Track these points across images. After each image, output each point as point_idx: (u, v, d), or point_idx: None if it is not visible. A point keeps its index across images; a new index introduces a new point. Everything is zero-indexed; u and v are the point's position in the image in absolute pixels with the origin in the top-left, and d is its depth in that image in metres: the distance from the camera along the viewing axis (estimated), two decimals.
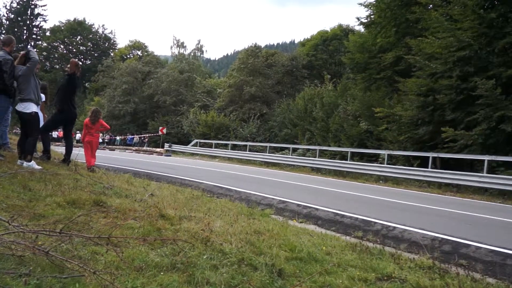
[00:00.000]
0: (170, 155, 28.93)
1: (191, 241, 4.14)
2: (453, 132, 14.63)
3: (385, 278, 3.92)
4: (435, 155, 15.46)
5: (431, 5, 18.10)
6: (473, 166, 14.81)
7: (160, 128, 34.80)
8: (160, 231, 4.40)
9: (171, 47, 56.53)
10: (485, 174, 13.33)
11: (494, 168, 13.68)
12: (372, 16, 23.67)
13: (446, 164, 15.52)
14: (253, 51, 37.73)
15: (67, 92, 7.96)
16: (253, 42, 55.93)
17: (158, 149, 31.92)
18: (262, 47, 42.62)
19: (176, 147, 32.16)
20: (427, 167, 15.30)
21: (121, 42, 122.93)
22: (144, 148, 34.67)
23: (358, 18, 25.11)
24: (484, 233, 6.55)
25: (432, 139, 16.27)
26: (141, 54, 59.15)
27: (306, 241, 5.09)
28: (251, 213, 7.09)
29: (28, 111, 6.80)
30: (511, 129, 13.24)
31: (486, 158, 13.54)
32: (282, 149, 25.75)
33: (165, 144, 32.68)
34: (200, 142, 31.65)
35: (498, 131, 13.66)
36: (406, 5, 20.04)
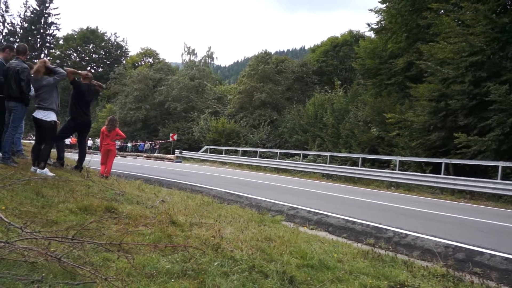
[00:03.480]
0: (180, 162, 29.05)
1: (201, 248, 4.13)
2: (466, 138, 14.45)
3: (398, 286, 3.87)
4: (448, 161, 15.26)
5: (442, 10, 17.97)
6: (487, 173, 14.58)
7: (171, 134, 34.99)
8: (171, 237, 4.40)
9: (182, 54, 56.96)
10: (499, 181, 13.11)
11: (508, 174, 13.46)
12: (382, 22, 23.56)
13: (459, 171, 15.31)
14: (263, 58, 37.80)
15: (74, 99, 8.05)
16: (263, 48, 56.41)
17: (168, 156, 32.09)
18: (272, 53, 42.69)
19: (186, 154, 32.27)
20: (440, 173, 15.10)
21: (133, 49, 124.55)
22: (155, 154, 34.87)
23: (368, 24, 25.00)
24: (498, 240, 6.43)
25: (445, 145, 16.08)
26: (152, 62, 59.67)
27: (317, 248, 5.05)
28: (262, 219, 7.07)
29: (48, 120, 6.91)
30: None
31: (500, 164, 13.33)
32: (292, 155, 25.67)
33: (176, 150, 32.82)
34: (210, 149, 31.72)
35: None
36: (417, 10, 19.92)
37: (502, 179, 13.14)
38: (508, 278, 4.75)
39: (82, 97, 8.10)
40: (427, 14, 18.06)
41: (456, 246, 5.84)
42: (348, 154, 20.67)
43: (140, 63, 59.83)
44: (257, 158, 26.08)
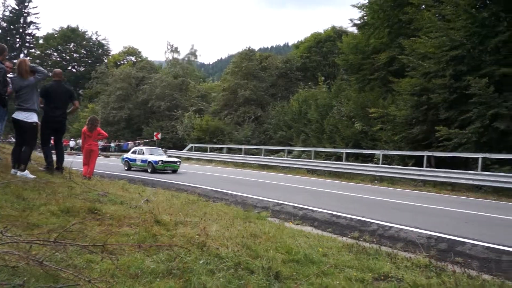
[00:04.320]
0: None
1: (187, 247, 4.12)
2: (447, 130, 14.71)
3: (382, 277, 3.93)
4: (429, 154, 15.51)
5: (423, 6, 18.21)
6: (467, 164, 14.87)
7: (155, 133, 34.68)
8: (155, 237, 4.38)
9: (165, 52, 56.19)
10: (479, 172, 13.39)
11: (488, 165, 13.75)
12: (365, 18, 23.80)
13: (441, 163, 15.58)
14: (247, 55, 37.77)
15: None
16: (246, 45, 56.03)
17: None
18: (256, 50, 42.66)
19: (171, 153, 32.10)
20: (422, 166, 15.35)
21: (115, 48, 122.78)
22: None
23: (351, 20, 25.26)
24: (479, 230, 6.58)
25: (427, 138, 16.34)
26: (135, 60, 58.99)
27: (302, 243, 5.10)
28: (247, 216, 7.09)
29: (30, 121, 6.75)
30: (504, 127, 13.33)
31: (480, 156, 13.61)
32: (277, 151, 25.75)
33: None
34: (195, 147, 31.59)
35: (491, 129, 13.74)
36: (398, 6, 20.15)
37: (482, 170, 13.42)
38: (488, 266, 4.87)
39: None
40: (409, 10, 18.29)
41: (438, 236, 5.96)
42: (333, 149, 20.83)
43: (122, 62, 59.12)
44: (242, 155, 26.09)
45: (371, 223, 6.92)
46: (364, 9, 23.32)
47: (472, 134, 14.06)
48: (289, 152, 24.00)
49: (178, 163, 17.12)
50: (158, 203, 6.84)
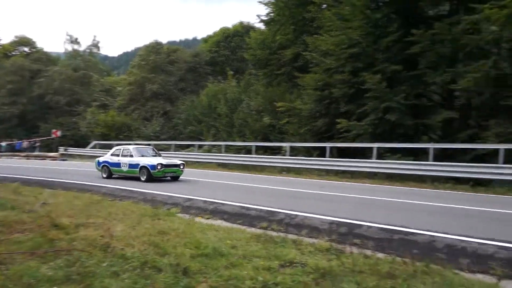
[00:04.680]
0: (66, 159, 26.82)
1: (88, 250, 3.92)
2: (347, 123, 15.81)
3: (288, 264, 4.09)
4: (331, 145, 16.55)
5: (325, 5, 19.23)
6: (365, 154, 16.14)
7: (53, 130, 32.08)
8: (53, 242, 4.09)
9: (64, 43, 52.21)
10: (374, 160, 14.65)
11: (382, 154, 15.08)
12: (271, 14, 24.44)
13: (342, 153, 16.71)
14: (154, 48, 36.85)
15: None
16: (154, 38, 54.29)
17: (51, 154, 29.34)
18: (164, 43, 41.66)
19: (73, 151, 30.00)
20: (325, 157, 16.32)
21: (5, 37, 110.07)
22: (36, 153, 31.61)
23: (258, 16, 25.77)
24: (374, 213, 7.17)
25: (329, 130, 17.39)
26: (29, 51, 53.70)
27: (212, 236, 5.10)
28: (156, 213, 6.93)
29: None
30: (395, 119, 14.69)
31: (375, 145, 14.88)
32: (187, 146, 25.45)
33: (60, 148, 30.26)
34: (99, 144, 29.89)
35: (384, 121, 15.06)
36: (302, 4, 21.04)
37: (377, 158, 14.70)
38: (381, 245, 5.33)
39: None
40: (311, 8, 19.19)
41: (339, 221, 6.37)
42: (242, 143, 21.17)
43: (13, 53, 53.43)
44: None
45: (279, 212, 7.15)
46: (271, 6, 23.96)
47: (368, 126, 15.29)
48: (200, 146, 23.87)
49: (181, 167, 13.12)
50: (57, 205, 6.39)
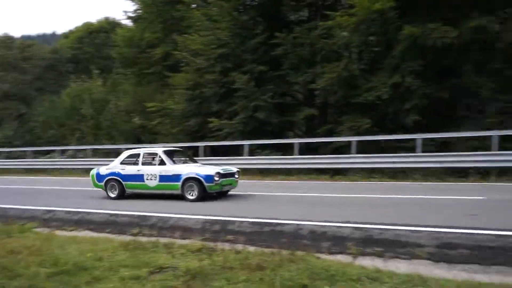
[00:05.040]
0: None
1: None
2: (218, 122, 16.08)
3: (157, 270, 3.96)
4: (204, 144, 16.65)
5: (194, 4, 19.17)
6: (238, 151, 16.63)
7: None
8: None
9: None
10: (246, 157, 15.19)
11: (253, 151, 15.73)
12: (139, 11, 23.45)
13: (216, 152, 16.96)
14: (4, 42, 32.68)
15: None
16: (3, 31, 47.29)
17: None
18: (17, 37, 37.09)
19: None
20: (199, 156, 16.33)
21: None
22: None
23: (125, 12, 24.49)
24: (246, 208, 7.42)
25: (201, 129, 17.47)
26: None
27: (73, 251, 4.68)
28: (7, 231, 6.10)
29: None
30: (263, 117, 15.45)
31: (246, 143, 15.43)
32: (48, 152, 22.97)
33: None
34: None
35: (254, 119, 15.72)
36: (170, 2, 20.63)
37: (248, 155, 15.26)
38: (252, 239, 5.53)
39: None
40: (180, 7, 18.97)
41: (214, 220, 6.39)
42: (111, 146, 19.95)
43: None
44: (2, 160, 22.31)
45: (151, 216, 6.90)
46: (138, 2, 22.98)
47: (238, 124, 15.79)
48: (63, 152, 21.73)
49: (236, 176, 9.38)
50: None
